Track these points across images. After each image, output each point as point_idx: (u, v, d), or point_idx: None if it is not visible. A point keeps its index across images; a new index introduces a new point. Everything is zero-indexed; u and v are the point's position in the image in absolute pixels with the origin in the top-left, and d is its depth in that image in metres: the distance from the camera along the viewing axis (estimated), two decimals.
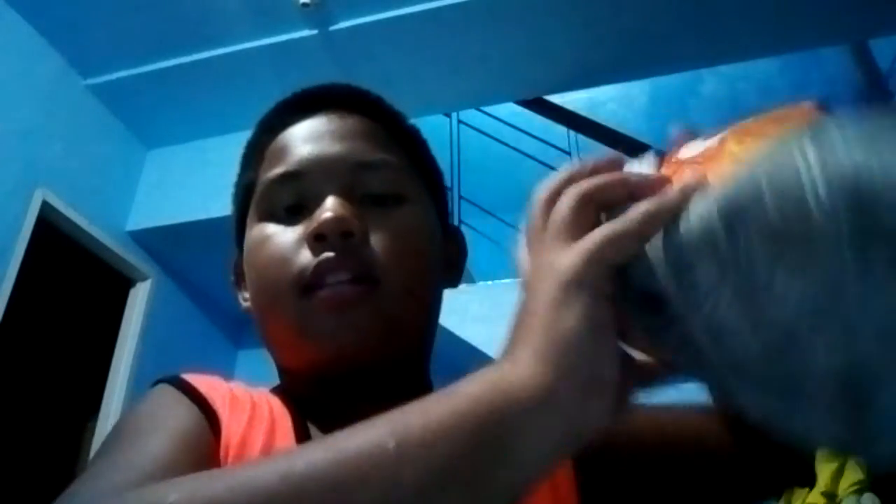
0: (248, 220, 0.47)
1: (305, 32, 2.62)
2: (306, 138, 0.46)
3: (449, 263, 0.50)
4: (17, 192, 2.50)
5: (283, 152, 0.46)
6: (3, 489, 2.76)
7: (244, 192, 0.50)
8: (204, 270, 3.00)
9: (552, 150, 3.35)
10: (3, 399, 3.09)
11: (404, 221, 0.44)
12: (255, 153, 0.50)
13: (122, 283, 3.06)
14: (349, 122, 0.47)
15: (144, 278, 3.10)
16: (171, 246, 3.09)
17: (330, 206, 0.41)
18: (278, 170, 0.45)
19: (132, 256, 3.03)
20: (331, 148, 0.45)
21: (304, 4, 2.47)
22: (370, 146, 0.46)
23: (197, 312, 3.38)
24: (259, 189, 0.46)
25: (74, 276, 3.00)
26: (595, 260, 0.26)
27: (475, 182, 3.50)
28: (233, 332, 3.55)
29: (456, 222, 2.74)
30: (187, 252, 3.03)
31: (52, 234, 2.66)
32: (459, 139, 3.50)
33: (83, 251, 2.84)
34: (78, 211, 2.75)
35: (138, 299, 3.05)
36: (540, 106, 3.34)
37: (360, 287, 0.41)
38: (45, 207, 2.61)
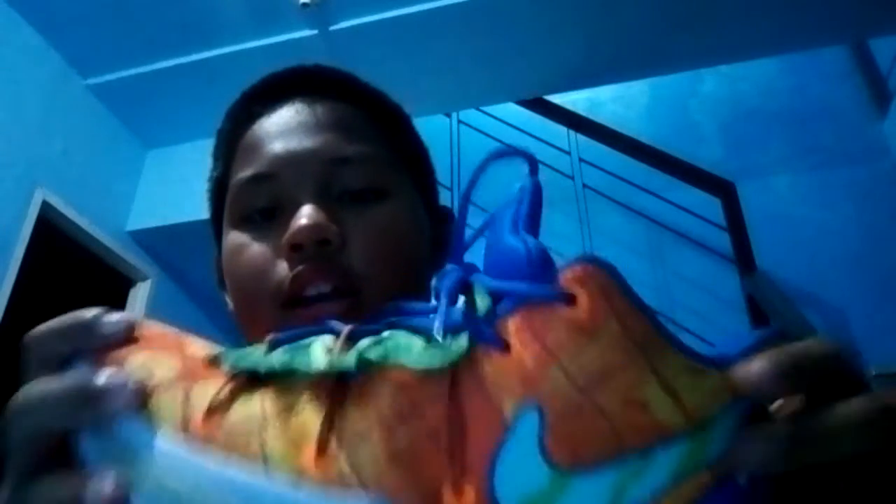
0: (224, 222, 0.44)
1: (305, 32, 2.62)
2: (277, 133, 0.42)
3: (437, 246, 0.46)
4: (17, 192, 2.50)
5: (253, 150, 0.43)
6: None
7: (217, 187, 0.47)
8: (204, 270, 2.97)
9: (552, 150, 3.35)
10: (3, 399, 3.09)
11: (386, 219, 0.41)
12: (226, 145, 0.47)
13: (122, 283, 3.06)
14: (321, 111, 0.43)
15: (144, 278, 3.10)
16: (171, 246, 3.08)
17: (304, 213, 0.38)
18: (249, 171, 0.42)
19: (132, 256, 3.03)
20: (303, 144, 0.41)
21: (304, 4, 2.46)
22: (345, 137, 0.42)
23: (197, 312, 3.37)
24: (232, 190, 0.43)
25: (74, 276, 3.00)
26: None
27: (475, 182, 3.49)
28: (233, 332, 3.54)
29: None
30: (187, 252, 3.03)
31: (52, 234, 2.66)
32: (459, 139, 3.49)
33: (83, 251, 2.84)
34: (78, 211, 2.75)
35: (138, 299, 3.05)
36: (540, 106, 3.34)
37: (339, 303, 0.38)
38: (45, 207, 2.61)
